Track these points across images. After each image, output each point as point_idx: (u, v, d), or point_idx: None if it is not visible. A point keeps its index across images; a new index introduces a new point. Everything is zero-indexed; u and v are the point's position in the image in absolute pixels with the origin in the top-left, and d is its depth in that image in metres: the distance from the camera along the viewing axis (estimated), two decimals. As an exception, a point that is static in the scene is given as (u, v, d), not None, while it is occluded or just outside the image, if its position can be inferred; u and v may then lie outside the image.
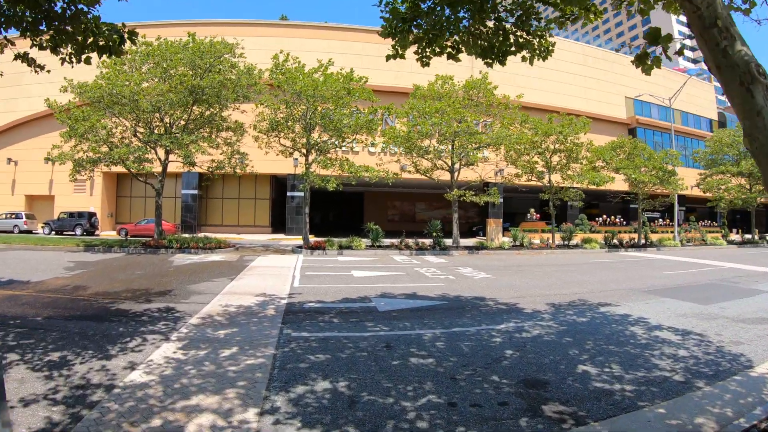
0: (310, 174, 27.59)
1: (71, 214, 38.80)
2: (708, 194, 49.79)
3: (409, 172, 31.28)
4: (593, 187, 35.11)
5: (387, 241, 29.71)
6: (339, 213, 65.55)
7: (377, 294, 13.66)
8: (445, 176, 32.26)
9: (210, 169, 29.41)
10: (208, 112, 28.19)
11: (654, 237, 42.15)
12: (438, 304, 12.45)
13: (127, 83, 24.98)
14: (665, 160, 38.98)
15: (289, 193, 44.00)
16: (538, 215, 51.18)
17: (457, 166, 31.48)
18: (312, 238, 29.04)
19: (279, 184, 49.95)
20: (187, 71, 25.55)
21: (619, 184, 40.64)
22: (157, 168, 28.48)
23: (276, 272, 18.08)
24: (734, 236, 52.59)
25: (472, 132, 29.11)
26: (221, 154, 29.46)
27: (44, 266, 19.04)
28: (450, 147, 30.39)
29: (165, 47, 26.10)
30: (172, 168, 33.64)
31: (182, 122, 27.64)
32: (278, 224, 48.95)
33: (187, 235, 30.21)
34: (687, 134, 60.61)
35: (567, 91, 52.19)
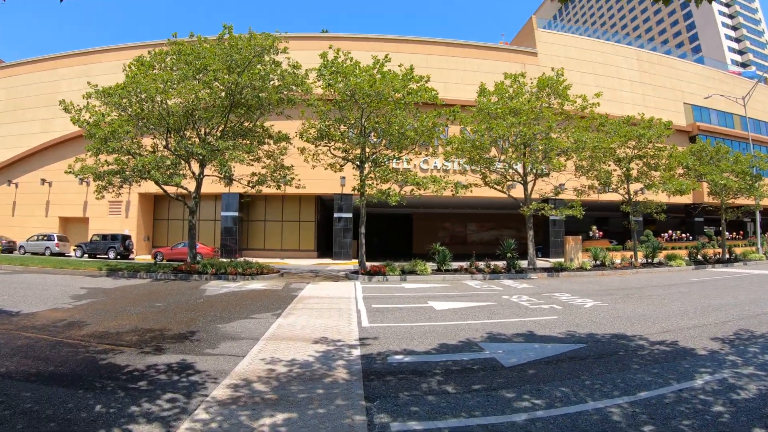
0: (369, 187, 23.88)
1: (104, 237, 36.50)
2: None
3: (476, 185, 27.05)
4: (677, 197, 31.80)
5: (454, 265, 25.65)
6: (385, 236, 61.50)
7: (482, 336, 9.72)
8: (517, 190, 28.45)
9: (250, 184, 25.89)
10: (247, 123, 24.80)
11: (737, 251, 38.22)
12: (575, 348, 8.76)
13: (155, 81, 21.56)
14: (752, 163, 35.62)
15: (336, 215, 40.60)
16: (601, 233, 46.97)
17: (530, 178, 27.48)
18: (368, 263, 25.17)
19: (324, 205, 46.96)
20: (222, 67, 21.96)
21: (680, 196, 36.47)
22: (190, 185, 25.16)
23: (334, 305, 14.14)
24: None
25: (550, 137, 25.12)
26: (263, 168, 26.02)
27: (50, 293, 15.74)
28: (523, 154, 26.28)
29: (198, 45, 22.82)
30: (211, 188, 31.02)
31: (218, 133, 24.15)
32: (324, 248, 45.85)
33: (224, 259, 26.50)
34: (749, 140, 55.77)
35: (623, 98, 48.38)
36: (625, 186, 31.02)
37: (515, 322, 11.36)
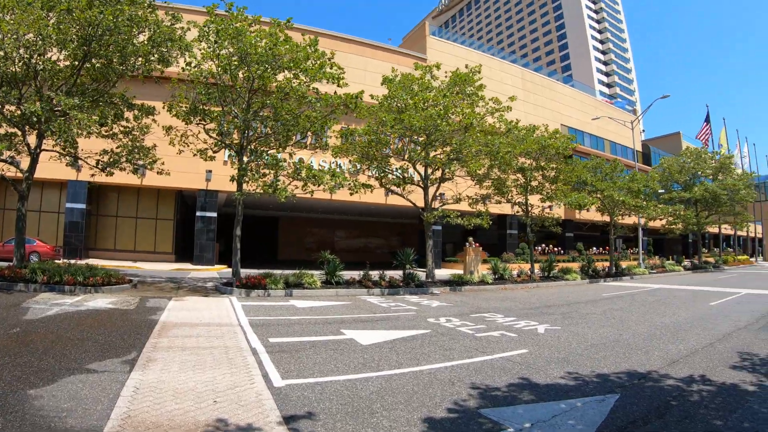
0: (252, 179, 19.77)
1: None
2: (656, 222, 50.40)
3: (371, 186, 23.65)
4: (572, 212, 31.28)
5: (345, 275, 22.03)
6: (248, 240, 57.01)
7: (473, 395, 6.41)
8: (415, 195, 25.87)
9: (100, 165, 20.75)
10: (104, 86, 19.60)
11: (622, 265, 41.49)
12: (613, 403, 6.35)
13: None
14: (646, 183, 37.61)
15: (198, 213, 35.75)
16: (478, 244, 46.29)
17: (431, 182, 25.00)
18: (243, 272, 20.95)
19: (185, 203, 42.03)
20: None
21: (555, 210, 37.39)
22: (25, 162, 19.68)
23: (214, 339, 9.81)
24: (687, 262, 52.97)
25: (455, 138, 22.75)
26: (118, 147, 21.04)
27: None
28: (427, 154, 23.57)
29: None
30: (56, 173, 27.44)
31: (63, 92, 18.42)
32: (182, 251, 40.49)
33: (60, 262, 20.88)
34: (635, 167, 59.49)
35: (507, 115, 48.20)
36: (524, 197, 30.06)
37: (486, 363, 8.29)
